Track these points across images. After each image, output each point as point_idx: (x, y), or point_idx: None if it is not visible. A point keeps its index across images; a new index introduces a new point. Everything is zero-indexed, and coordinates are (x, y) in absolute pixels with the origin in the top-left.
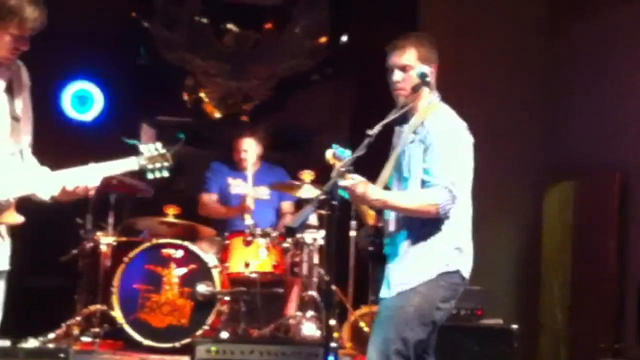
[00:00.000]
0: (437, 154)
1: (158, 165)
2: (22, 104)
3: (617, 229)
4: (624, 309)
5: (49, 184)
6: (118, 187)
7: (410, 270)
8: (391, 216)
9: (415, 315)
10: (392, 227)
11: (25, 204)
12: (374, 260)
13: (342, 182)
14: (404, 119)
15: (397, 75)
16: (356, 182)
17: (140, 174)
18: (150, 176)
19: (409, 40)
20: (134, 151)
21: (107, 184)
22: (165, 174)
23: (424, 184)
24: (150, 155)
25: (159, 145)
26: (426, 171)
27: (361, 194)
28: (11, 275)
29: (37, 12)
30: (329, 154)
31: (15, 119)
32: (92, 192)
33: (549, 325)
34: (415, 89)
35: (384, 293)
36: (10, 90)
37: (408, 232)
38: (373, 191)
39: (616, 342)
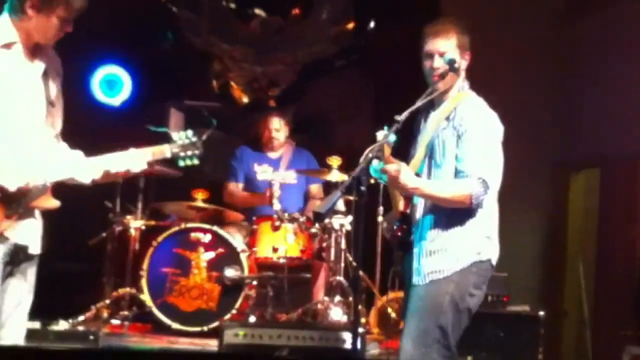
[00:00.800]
0: (471, 144)
1: (189, 153)
2: (56, 90)
3: None
4: None
5: (91, 168)
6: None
7: (443, 258)
8: (419, 201)
9: (450, 303)
10: (419, 211)
11: (58, 188)
12: (400, 247)
13: (387, 167)
14: (431, 105)
15: (438, 62)
16: (399, 167)
17: (171, 161)
18: (181, 163)
19: (451, 26)
20: (164, 138)
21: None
22: (195, 161)
23: (457, 173)
24: (182, 143)
25: (190, 133)
26: (460, 160)
27: (400, 180)
28: (40, 257)
29: None
30: (380, 135)
31: (51, 104)
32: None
33: (574, 312)
34: (443, 76)
35: (416, 279)
36: (47, 76)
37: (437, 217)
38: (410, 179)
39: None
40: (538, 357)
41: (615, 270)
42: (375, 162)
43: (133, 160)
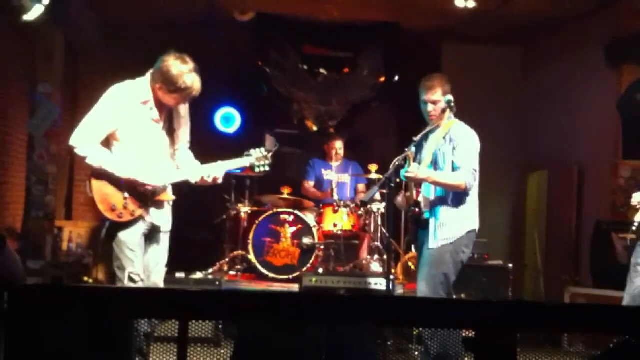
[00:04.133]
0: (464, 151)
1: (262, 163)
2: (179, 123)
3: (576, 202)
4: (580, 254)
5: (194, 174)
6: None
7: (449, 230)
8: (431, 193)
9: (450, 258)
10: (431, 199)
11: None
12: (415, 223)
13: (408, 170)
14: (431, 130)
15: (431, 107)
16: (415, 167)
17: (250, 169)
18: (256, 170)
19: (436, 81)
20: (247, 153)
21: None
22: (267, 168)
23: (454, 169)
24: (257, 156)
25: (263, 150)
26: (456, 163)
27: (417, 174)
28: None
29: (194, 90)
30: (408, 150)
31: (171, 136)
32: (219, 181)
33: (531, 266)
34: (444, 111)
35: (432, 244)
36: (171, 117)
37: (444, 202)
38: (423, 171)
39: (576, 275)
40: (508, 294)
41: (558, 238)
42: (403, 169)
43: (220, 169)
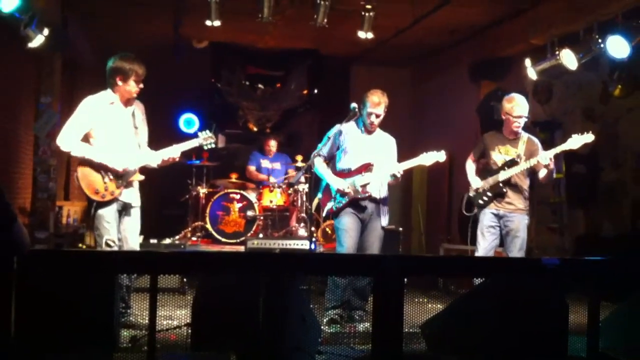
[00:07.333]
0: (396, 157)
1: (208, 142)
2: (140, 122)
3: (447, 181)
4: (451, 220)
5: (155, 159)
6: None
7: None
8: (382, 187)
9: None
10: (382, 192)
11: (146, 170)
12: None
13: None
14: (365, 132)
15: (376, 120)
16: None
17: (200, 147)
18: (205, 148)
19: (384, 98)
20: (196, 136)
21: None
22: (213, 145)
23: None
24: (203, 137)
25: (208, 132)
26: (395, 164)
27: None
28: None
29: (142, 69)
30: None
31: (136, 128)
32: (177, 159)
33: (416, 229)
34: (354, 115)
35: (384, 223)
36: (133, 115)
37: (386, 193)
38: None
39: (448, 235)
40: (399, 250)
41: (436, 206)
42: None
43: (176, 150)
